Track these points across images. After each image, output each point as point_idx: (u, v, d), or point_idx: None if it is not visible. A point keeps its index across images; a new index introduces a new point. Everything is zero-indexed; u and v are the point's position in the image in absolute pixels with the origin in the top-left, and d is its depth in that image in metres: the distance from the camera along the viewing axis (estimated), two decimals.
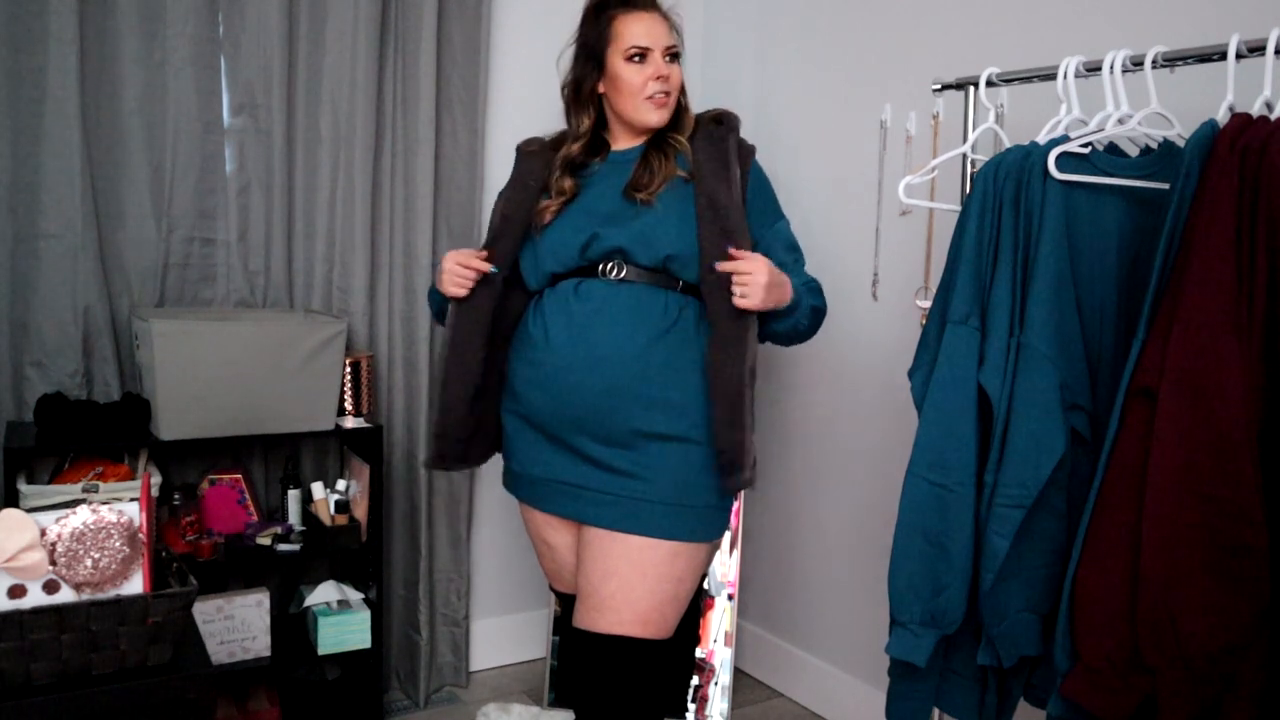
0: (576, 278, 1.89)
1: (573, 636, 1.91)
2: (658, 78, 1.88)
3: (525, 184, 1.98)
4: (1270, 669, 1.30)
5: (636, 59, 1.88)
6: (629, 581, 1.82)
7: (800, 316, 1.84)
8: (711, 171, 1.87)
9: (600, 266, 1.87)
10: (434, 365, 2.66)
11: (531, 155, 2.03)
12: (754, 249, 1.85)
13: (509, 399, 1.96)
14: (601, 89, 1.94)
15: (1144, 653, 1.35)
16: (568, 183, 1.94)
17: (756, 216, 1.90)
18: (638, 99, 1.89)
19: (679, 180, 1.89)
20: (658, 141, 1.93)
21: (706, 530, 1.88)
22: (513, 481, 2.03)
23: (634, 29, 1.88)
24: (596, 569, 1.85)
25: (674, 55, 1.91)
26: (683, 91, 1.97)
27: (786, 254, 1.89)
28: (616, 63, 1.89)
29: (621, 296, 1.84)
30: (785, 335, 1.89)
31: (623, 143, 1.97)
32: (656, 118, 1.90)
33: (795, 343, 1.94)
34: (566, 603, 2.06)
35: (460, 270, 1.88)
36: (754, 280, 1.72)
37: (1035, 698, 1.65)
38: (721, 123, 1.98)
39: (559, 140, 2.01)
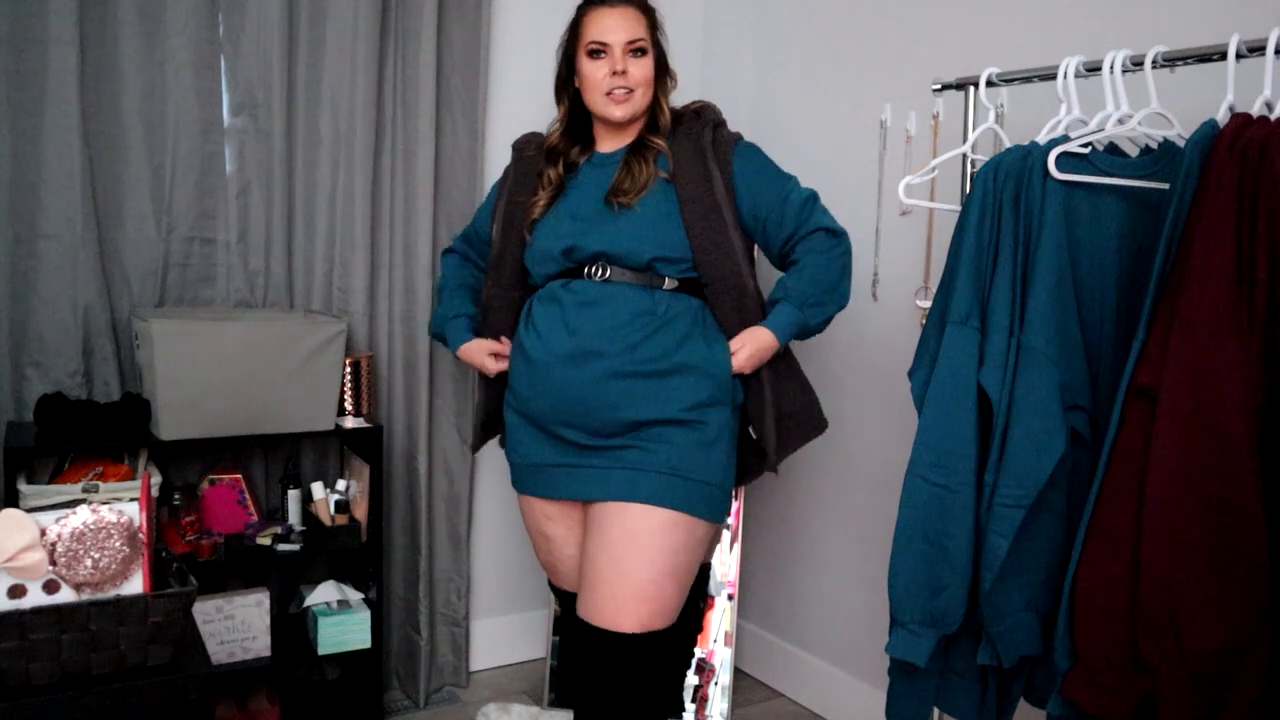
0: (564, 278, 1.92)
1: (575, 626, 1.91)
2: (614, 73, 1.89)
3: (526, 189, 2.02)
4: (1270, 669, 1.30)
5: (595, 54, 1.91)
6: (625, 551, 1.82)
7: (809, 318, 1.94)
8: (690, 173, 1.89)
9: (585, 269, 1.90)
10: (434, 365, 2.67)
11: (529, 158, 2.06)
12: (766, 228, 1.93)
13: (510, 395, 2.00)
14: (576, 83, 1.97)
15: (1144, 653, 1.35)
16: (553, 172, 1.97)
17: (761, 197, 1.92)
18: (597, 94, 1.92)
19: (661, 181, 1.91)
20: (638, 146, 1.95)
21: (706, 506, 1.88)
22: (515, 475, 2.05)
23: (597, 24, 1.91)
24: (593, 542, 1.87)
25: (640, 50, 1.91)
26: (662, 88, 1.97)
27: (800, 215, 1.93)
28: (580, 58, 1.93)
29: (610, 294, 1.87)
30: (821, 326, 1.99)
31: (606, 144, 1.99)
32: (619, 113, 1.92)
33: (841, 301, 2.00)
34: (565, 600, 2.07)
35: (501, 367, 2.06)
36: (739, 366, 1.90)
37: (1035, 698, 1.65)
38: (700, 115, 1.99)
39: None
